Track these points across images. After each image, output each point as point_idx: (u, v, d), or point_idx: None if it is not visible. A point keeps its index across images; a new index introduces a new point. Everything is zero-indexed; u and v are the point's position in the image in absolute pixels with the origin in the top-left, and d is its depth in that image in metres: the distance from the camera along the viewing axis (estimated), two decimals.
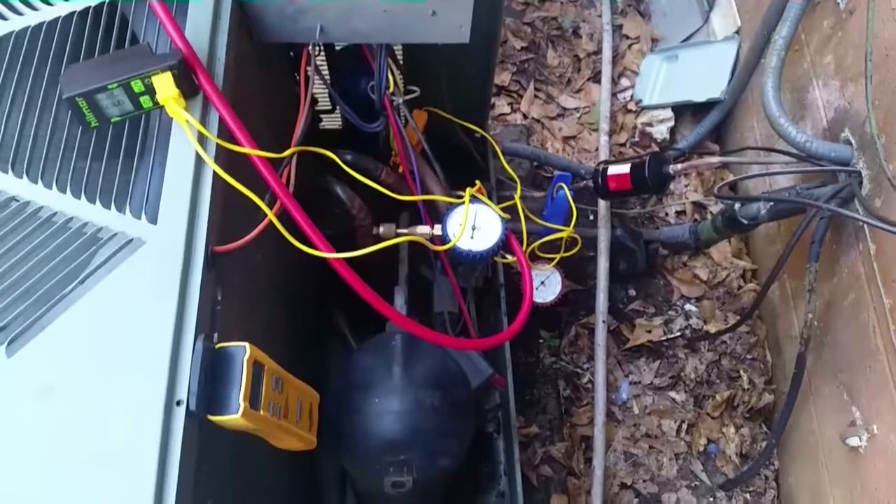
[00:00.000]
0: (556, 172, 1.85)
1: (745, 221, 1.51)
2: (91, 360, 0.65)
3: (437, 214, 1.27)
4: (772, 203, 1.44)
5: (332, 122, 1.53)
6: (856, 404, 1.33)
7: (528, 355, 1.75)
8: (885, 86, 1.24)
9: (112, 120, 0.78)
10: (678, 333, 1.81)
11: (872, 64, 1.25)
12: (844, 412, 1.36)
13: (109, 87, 0.75)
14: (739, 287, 1.85)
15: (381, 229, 1.24)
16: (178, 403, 0.64)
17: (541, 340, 1.77)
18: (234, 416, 0.66)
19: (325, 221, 0.93)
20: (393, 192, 1.16)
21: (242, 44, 0.90)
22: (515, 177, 1.56)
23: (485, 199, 1.20)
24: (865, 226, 1.30)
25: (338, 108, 1.37)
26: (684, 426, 1.71)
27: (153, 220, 0.73)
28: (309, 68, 1.07)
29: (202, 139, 0.78)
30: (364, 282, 0.87)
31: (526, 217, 1.49)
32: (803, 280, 1.38)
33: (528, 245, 1.60)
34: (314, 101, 1.39)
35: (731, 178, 1.91)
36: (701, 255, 1.90)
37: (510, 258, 1.33)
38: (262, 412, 0.69)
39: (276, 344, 1.05)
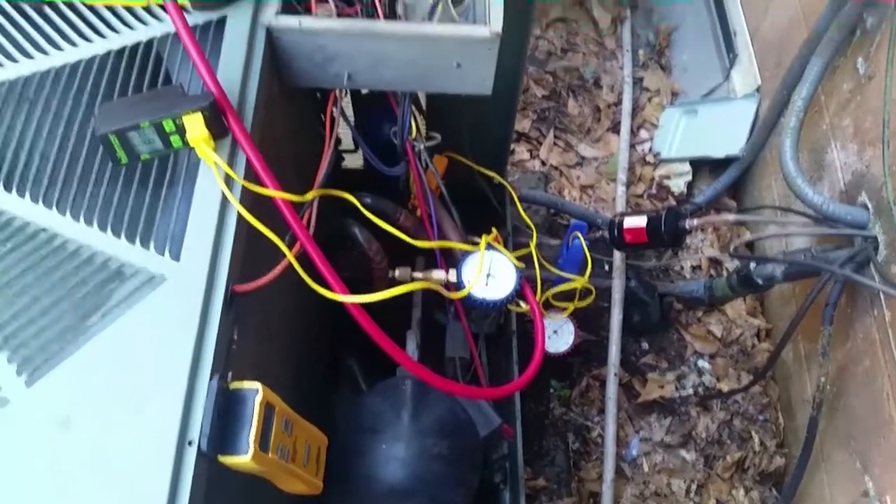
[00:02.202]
0: (573, 221, 1.86)
1: (761, 282, 1.51)
2: (108, 395, 0.66)
3: (452, 258, 1.28)
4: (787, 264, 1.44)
5: (354, 161, 1.55)
6: (869, 474, 1.31)
7: (538, 405, 1.74)
8: None
9: (142, 157, 0.80)
10: (691, 390, 1.79)
11: (889, 131, 1.26)
12: (857, 481, 1.34)
13: (142, 125, 0.77)
14: (753, 346, 1.84)
15: (398, 273, 1.25)
16: (190, 443, 0.64)
17: (551, 390, 1.76)
18: (244, 458, 0.66)
19: (341, 262, 0.94)
20: (410, 236, 1.18)
21: (272, 87, 0.93)
22: (532, 225, 1.57)
23: (500, 247, 1.21)
24: (881, 292, 1.30)
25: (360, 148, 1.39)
26: (693, 486, 1.68)
27: (176, 257, 0.74)
28: (335, 110, 1.10)
29: (228, 180, 0.79)
30: (378, 325, 0.87)
31: (540, 265, 1.50)
32: (817, 343, 1.37)
33: (542, 293, 1.61)
34: (338, 141, 1.41)
35: (747, 235, 1.91)
36: (715, 311, 1.89)
37: (524, 307, 1.33)
38: (270, 455, 0.69)
39: (287, 383, 1.05)
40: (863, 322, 1.36)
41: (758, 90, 1.96)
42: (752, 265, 1.54)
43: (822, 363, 1.34)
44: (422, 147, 1.24)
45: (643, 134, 2.24)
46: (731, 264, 1.92)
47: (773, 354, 1.53)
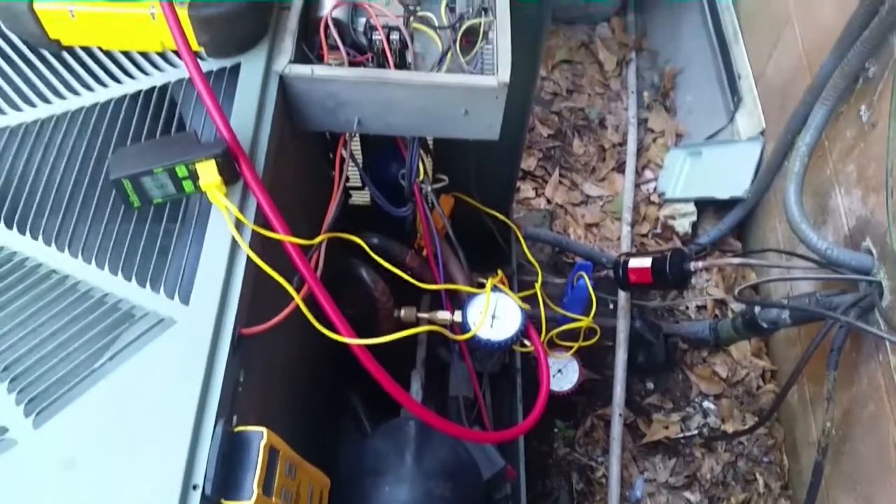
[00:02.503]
0: (578, 260, 1.87)
1: (765, 325, 1.51)
2: (114, 437, 0.67)
3: (457, 298, 1.29)
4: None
5: (361, 198, 1.57)
6: None
7: (542, 444, 1.73)
8: None
9: (154, 201, 0.81)
10: (695, 431, 1.78)
11: (893, 178, 1.27)
12: None
13: (155, 171, 0.79)
14: (758, 387, 1.83)
15: (403, 312, 1.26)
16: (195, 487, 0.64)
17: (555, 430, 1.75)
18: (247, 503, 0.66)
19: (346, 300, 0.95)
20: (416, 276, 1.19)
21: (284, 133, 0.94)
22: (537, 265, 1.58)
23: (506, 289, 1.22)
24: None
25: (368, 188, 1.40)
26: None
27: (185, 300, 0.75)
28: (344, 152, 1.12)
29: (238, 224, 0.80)
30: (382, 362, 0.88)
31: (545, 304, 1.51)
32: (822, 385, 1.36)
33: (546, 332, 1.61)
34: (346, 179, 1.43)
35: (752, 277, 1.91)
36: (721, 351, 1.89)
37: (528, 346, 1.33)
38: (274, 500, 0.69)
39: (291, 422, 1.06)
40: (868, 367, 1.36)
41: (762, 133, 1.98)
42: (757, 309, 1.54)
43: (827, 408, 1.34)
44: (429, 189, 1.26)
45: (648, 174, 2.26)
46: (736, 305, 1.92)
47: (778, 397, 1.53)
